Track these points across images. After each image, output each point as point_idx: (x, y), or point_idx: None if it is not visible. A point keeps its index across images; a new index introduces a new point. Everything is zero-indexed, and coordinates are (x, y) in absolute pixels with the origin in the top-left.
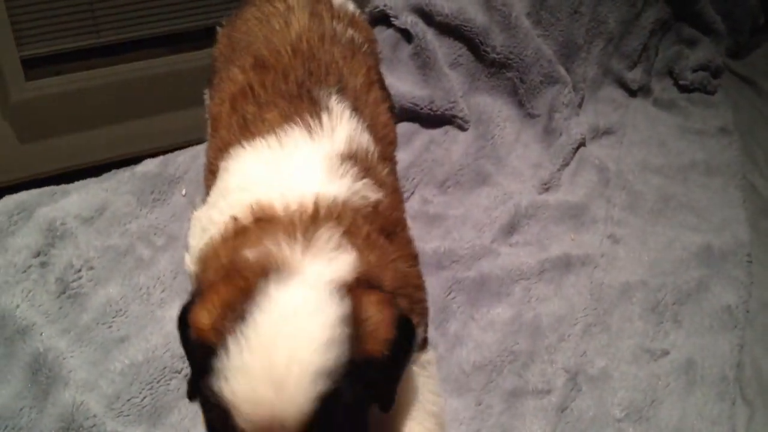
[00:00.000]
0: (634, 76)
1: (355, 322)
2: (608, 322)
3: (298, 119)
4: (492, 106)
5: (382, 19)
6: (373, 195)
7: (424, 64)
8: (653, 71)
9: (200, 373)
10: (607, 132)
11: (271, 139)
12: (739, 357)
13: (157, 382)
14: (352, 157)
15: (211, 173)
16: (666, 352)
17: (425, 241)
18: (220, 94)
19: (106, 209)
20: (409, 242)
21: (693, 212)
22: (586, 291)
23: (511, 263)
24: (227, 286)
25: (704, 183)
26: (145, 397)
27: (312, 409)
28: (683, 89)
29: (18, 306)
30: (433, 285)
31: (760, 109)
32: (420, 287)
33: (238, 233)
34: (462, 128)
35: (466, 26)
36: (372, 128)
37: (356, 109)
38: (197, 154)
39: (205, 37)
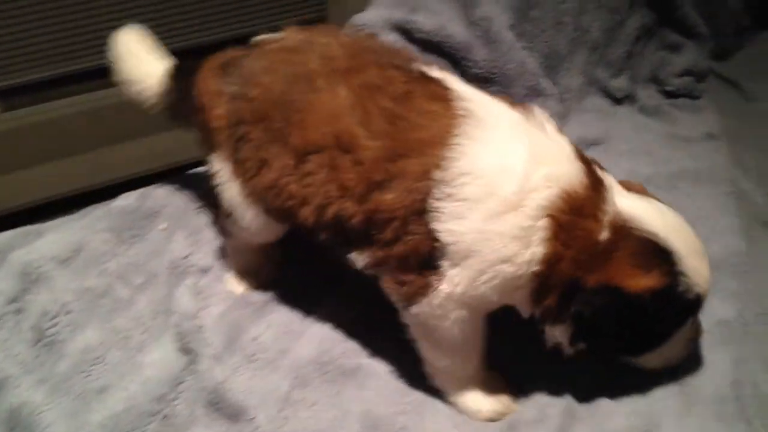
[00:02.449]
0: (619, 84)
1: None
2: None
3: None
4: None
5: None
6: None
7: None
8: (638, 78)
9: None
10: (594, 143)
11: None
12: (737, 373)
13: (136, 430)
14: None
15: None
16: (662, 373)
17: None
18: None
19: (82, 249)
20: None
21: None
22: None
23: None
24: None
25: (693, 191)
26: None
27: None
28: (669, 95)
29: None
30: None
31: (746, 110)
32: None
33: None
34: None
35: (447, 42)
36: None
37: None
38: (176, 187)
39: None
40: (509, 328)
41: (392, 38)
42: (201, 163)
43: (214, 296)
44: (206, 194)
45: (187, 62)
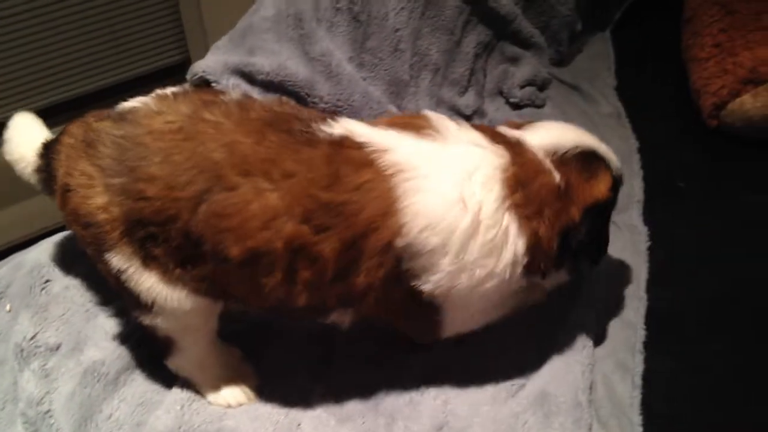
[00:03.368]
0: (467, 101)
1: None
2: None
3: None
4: None
5: (203, 84)
6: None
7: None
8: (484, 93)
9: None
10: None
11: None
12: (591, 377)
13: None
14: None
15: None
16: (523, 385)
17: None
18: None
19: None
20: None
21: None
22: None
23: None
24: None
25: None
26: None
27: None
28: (515, 107)
29: None
30: None
31: (588, 112)
32: None
33: None
34: None
35: (289, 81)
36: None
37: None
38: (19, 265)
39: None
40: None
41: (233, 83)
42: (45, 235)
43: (63, 375)
44: (51, 267)
45: (54, 138)
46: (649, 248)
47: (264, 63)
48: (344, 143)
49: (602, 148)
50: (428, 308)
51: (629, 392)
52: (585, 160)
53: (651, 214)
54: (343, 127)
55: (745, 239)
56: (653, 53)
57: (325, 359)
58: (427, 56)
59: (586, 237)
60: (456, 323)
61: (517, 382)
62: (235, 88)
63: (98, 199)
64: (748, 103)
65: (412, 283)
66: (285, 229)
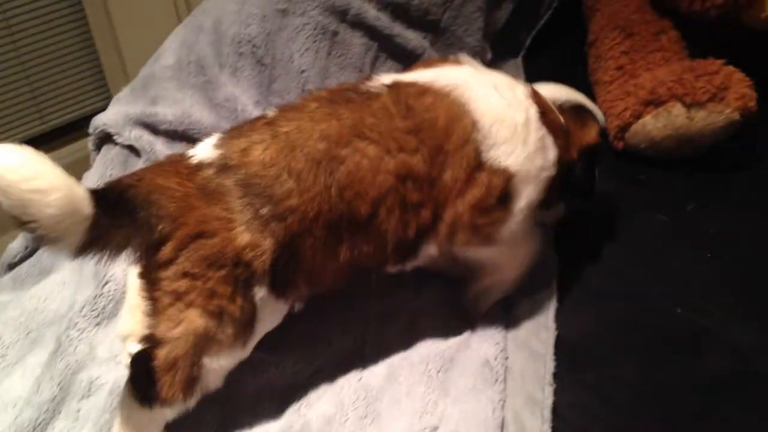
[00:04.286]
0: None
1: None
2: (378, 409)
3: None
4: None
5: (106, 138)
6: None
7: None
8: None
9: None
10: None
11: None
12: (502, 414)
13: None
14: None
15: None
16: (435, 428)
17: None
18: None
19: None
20: None
21: None
22: (355, 380)
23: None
24: None
25: None
26: None
27: None
28: None
29: None
30: None
31: None
32: None
33: None
34: None
35: (194, 129)
36: None
37: None
38: None
39: None
40: None
41: (135, 134)
42: None
43: None
44: None
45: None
46: (558, 275)
47: (167, 112)
48: (399, 85)
49: (589, 103)
50: (504, 196)
51: (539, 426)
52: (577, 112)
53: (559, 240)
54: (388, 77)
55: (651, 260)
56: (564, 77)
57: None
58: None
59: (581, 173)
60: (519, 212)
61: (428, 424)
62: (138, 139)
63: (243, 239)
64: (650, 124)
65: (497, 164)
66: (390, 164)
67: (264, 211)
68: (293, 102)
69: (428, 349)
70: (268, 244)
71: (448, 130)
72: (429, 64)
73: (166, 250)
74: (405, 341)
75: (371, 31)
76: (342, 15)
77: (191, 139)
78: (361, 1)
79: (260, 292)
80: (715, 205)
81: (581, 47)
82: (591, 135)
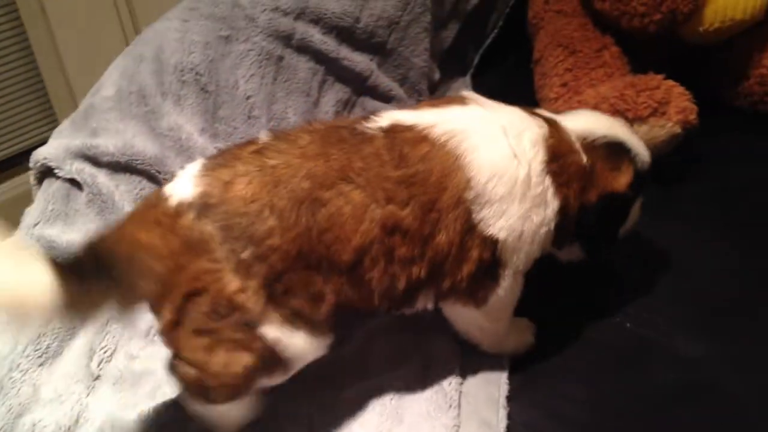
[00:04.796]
0: None
1: None
2: None
3: None
4: None
5: (47, 171)
6: None
7: (101, 209)
8: None
9: None
10: None
11: None
12: None
13: None
14: None
15: None
16: None
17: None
18: None
19: None
20: None
21: None
22: None
23: None
24: None
25: None
26: None
27: None
28: None
29: None
30: None
31: None
32: None
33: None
34: None
35: (137, 159)
36: None
37: None
38: None
39: None
40: None
41: (77, 167)
42: None
43: None
44: None
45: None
46: None
47: (108, 143)
48: (396, 129)
49: (632, 142)
50: (495, 264)
51: None
52: (612, 151)
53: None
54: (388, 118)
55: (601, 275)
56: (512, 95)
57: None
58: (285, 120)
59: (593, 223)
60: (510, 277)
61: None
62: (79, 172)
63: (232, 285)
64: None
65: (487, 232)
66: (376, 214)
67: (245, 254)
68: (287, 130)
69: (387, 372)
70: (254, 284)
71: (440, 185)
72: (434, 104)
73: (167, 314)
74: (358, 368)
75: (317, 55)
76: (287, 40)
77: (135, 170)
78: (305, 26)
79: (271, 330)
80: (660, 218)
81: (528, 65)
82: (619, 182)
